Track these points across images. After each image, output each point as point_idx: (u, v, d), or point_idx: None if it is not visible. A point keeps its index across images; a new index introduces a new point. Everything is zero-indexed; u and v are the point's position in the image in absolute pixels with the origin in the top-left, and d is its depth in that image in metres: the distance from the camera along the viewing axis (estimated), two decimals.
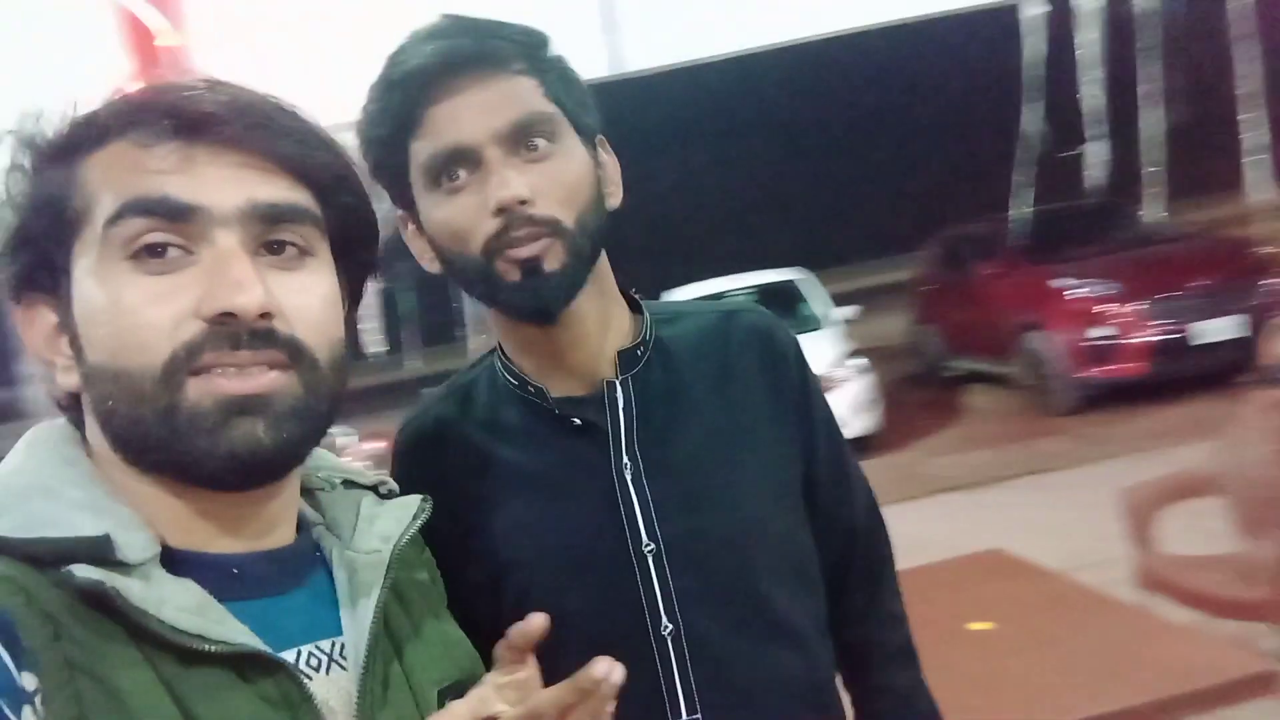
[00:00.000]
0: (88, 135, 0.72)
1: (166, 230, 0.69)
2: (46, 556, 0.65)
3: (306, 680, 0.71)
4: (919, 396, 9.68)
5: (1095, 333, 7.54)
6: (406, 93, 0.97)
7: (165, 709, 0.65)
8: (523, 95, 0.98)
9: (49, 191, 0.72)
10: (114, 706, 0.63)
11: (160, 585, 0.67)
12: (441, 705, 0.78)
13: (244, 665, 0.68)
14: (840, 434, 1.19)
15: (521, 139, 0.97)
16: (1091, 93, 5.49)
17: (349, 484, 0.87)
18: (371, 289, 0.89)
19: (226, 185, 0.71)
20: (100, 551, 0.66)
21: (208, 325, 0.68)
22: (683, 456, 1.06)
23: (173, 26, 4.40)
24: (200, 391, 0.68)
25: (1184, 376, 7.23)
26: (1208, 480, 3.38)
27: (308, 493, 0.84)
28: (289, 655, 0.72)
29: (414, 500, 0.87)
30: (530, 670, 0.76)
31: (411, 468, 1.11)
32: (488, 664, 0.79)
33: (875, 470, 1.37)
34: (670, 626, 1.02)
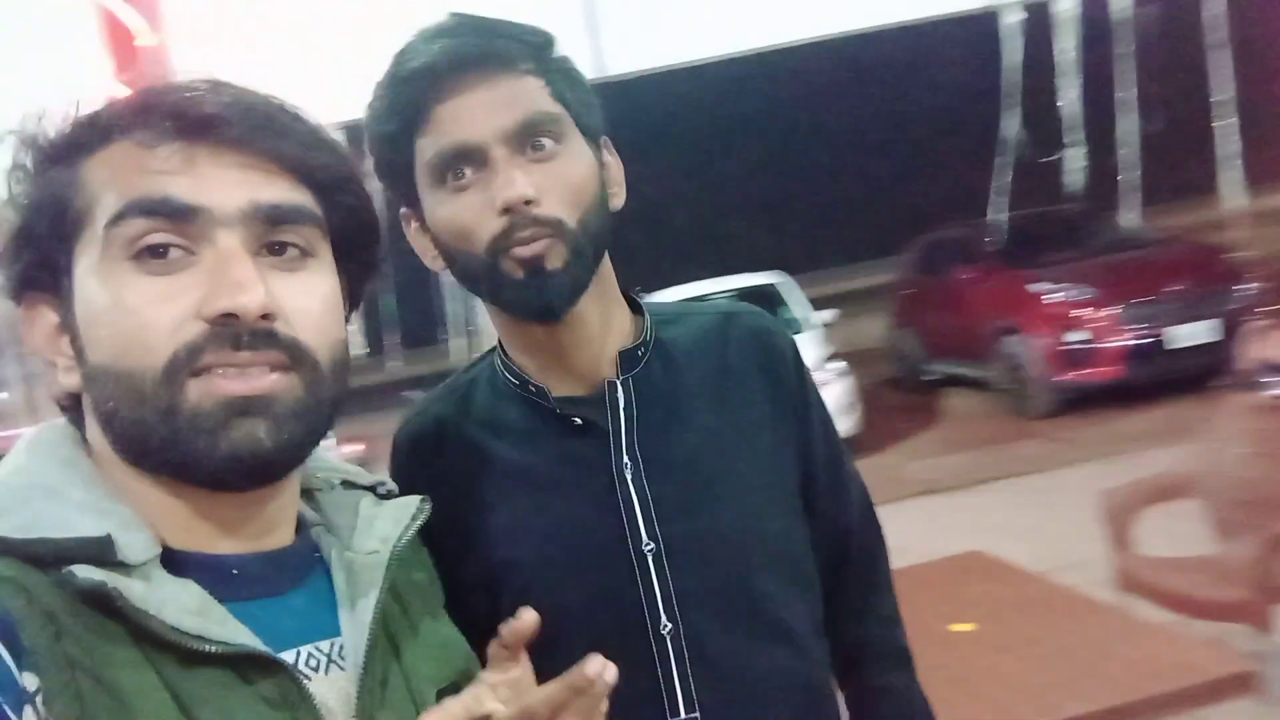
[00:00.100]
0: (90, 135, 0.72)
1: (168, 231, 0.69)
2: (48, 557, 0.65)
3: (306, 681, 0.71)
4: (897, 400, 9.73)
5: (1072, 337, 7.62)
6: (413, 90, 0.98)
7: (166, 709, 0.65)
8: (529, 95, 0.99)
9: (51, 191, 0.72)
10: (115, 707, 0.63)
11: (161, 586, 0.68)
12: None
13: (244, 666, 0.69)
14: (837, 436, 1.20)
15: (527, 139, 0.98)
16: (1070, 99, 5.54)
17: (348, 485, 0.87)
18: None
19: (228, 186, 0.71)
20: (101, 552, 0.66)
21: (209, 326, 0.68)
22: (682, 456, 1.06)
23: (150, 27, 4.37)
24: (201, 392, 0.68)
25: (1159, 380, 7.32)
26: (1184, 483, 3.42)
27: (307, 493, 0.84)
28: (288, 656, 0.72)
29: (413, 501, 0.87)
30: (523, 669, 0.76)
31: (411, 466, 1.11)
32: (486, 664, 0.79)
33: None
34: (669, 625, 1.02)
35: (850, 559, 1.19)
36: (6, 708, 0.58)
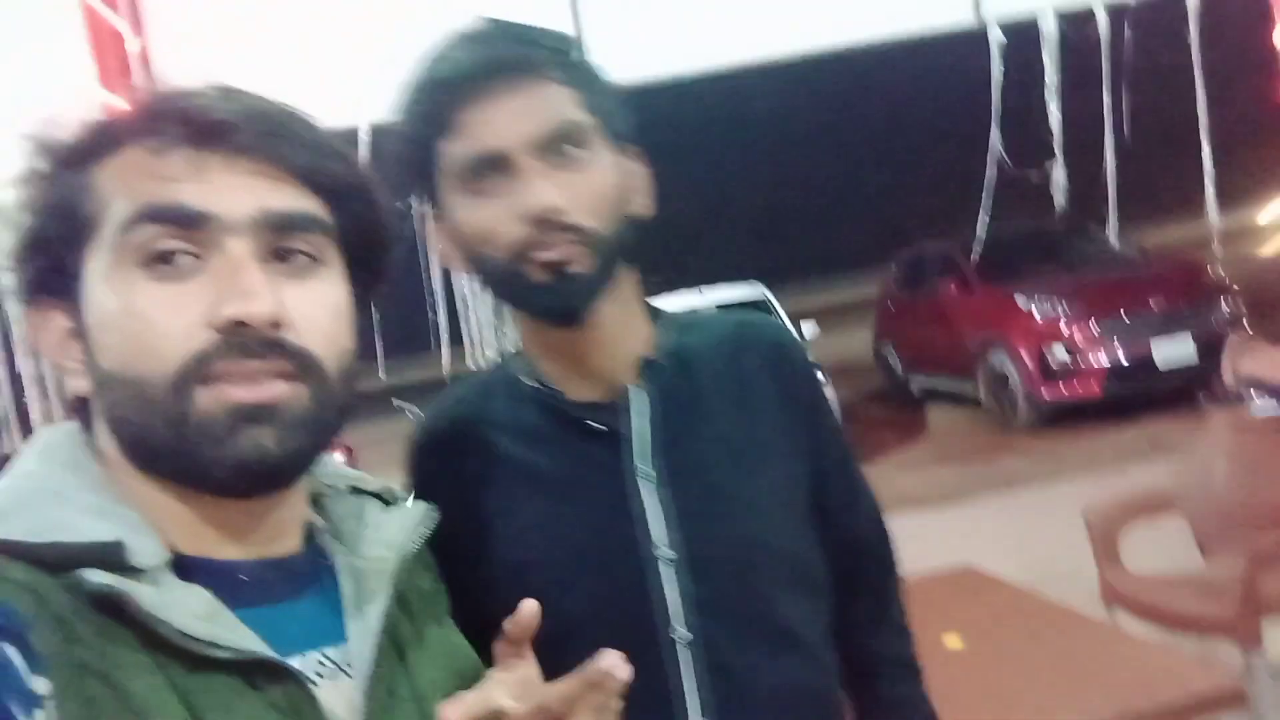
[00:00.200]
0: (101, 141, 0.72)
1: (178, 237, 0.69)
2: (58, 561, 0.65)
3: (313, 687, 0.71)
4: (880, 413, 9.77)
5: (1056, 352, 7.68)
6: (441, 94, 0.98)
7: (176, 714, 0.65)
8: (557, 103, 0.99)
9: (62, 196, 0.72)
10: (125, 711, 0.63)
11: (170, 591, 0.67)
12: None
13: (252, 672, 0.68)
14: (848, 448, 1.21)
15: (554, 147, 0.98)
16: (1058, 116, 5.59)
17: (356, 491, 0.87)
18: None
19: (238, 193, 0.71)
20: (111, 557, 0.66)
21: (218, 334, 0.69)
22: (698, 464, 1.07)
23: (133, 32, 4.35)
24: (210, 400, 0.68)
25: (1143, 396, 7.38)
26: (1169, 498, 3.44)
27: (314, 500, 0.84)
28: (296, 662, 0.72)
29: (420, 508, 0.87)
30: (530, 667, 0.77)
31: (428, 466, 1.11)
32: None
33: None
34: (682, 633, 1.02)
35: (860, 569, 1.20)
36: (17, 711, 0.58)
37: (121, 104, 0.77)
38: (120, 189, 0.70)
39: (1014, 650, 2.36)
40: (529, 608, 0.75)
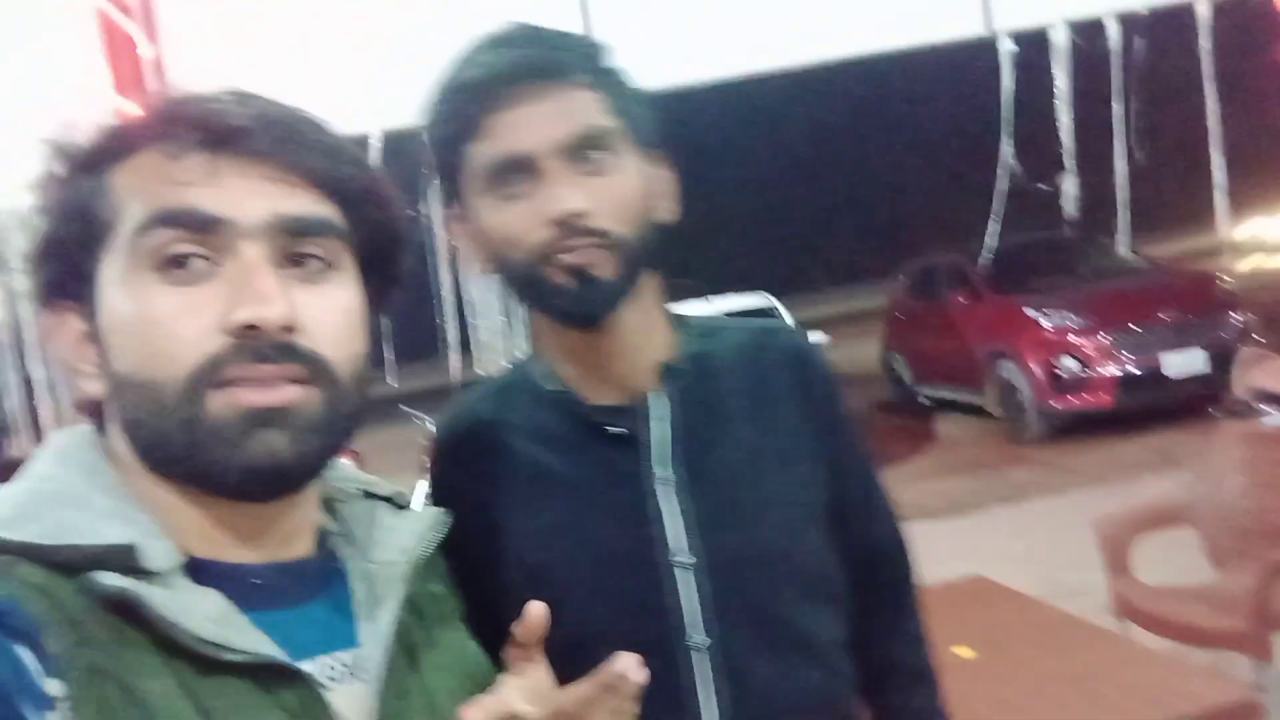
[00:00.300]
0: (117, 145, 0.73)
1: (192, 242, 0.70)
2: (72, 563, 0.65)
3: (325, 691, 0.71)
4: (890, 424, 9.74)
5: (1066, 363, 7.65)
6: (468, 97, 0.98)
7: (188, 717, 0.65)
8: (584, 108, 0.99)
9: (78, 200, 0.72)
10: (138, 714, 0.63)
11: (183, 594, 0.68)
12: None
13: (264, 675, 0.68)
14: (868, 456, 1.20)
15: (580, 151, 0.98)
16: (1069, 126, 5.59)
17: (368, 495, 0.87)
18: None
19: (252, 198, 0.71)
20: (125, 559, 0.66)
21: (231, 338, 0.69)
22: (718, 471, 1.06)
23: (147, 38, 4.38)
24: (222, 404, 0.69)
25: (1153, 407, 7.34)
26: (1180, 510, 3.42)
27: (326, 503, 0.84)
28: (308, 666, 0.72)
29: (432, 512, 0.87)
30: (542, 671, 0.77)
31: (448, 466, 1.12)
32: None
33: None
34: (701, 640, 1.02)
35: (878, 579, 1.19)
36: (30, 713, 0.58)
37: (136, 110, 0.77)
38: (135, 193, 0.71)
39: (1025, 661, 2.35)
40: (536, 610, 0.75)
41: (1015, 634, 2.52)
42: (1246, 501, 3.21)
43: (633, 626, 1.00)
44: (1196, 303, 7.84)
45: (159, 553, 0.68)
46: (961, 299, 9.05)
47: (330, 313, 0.74)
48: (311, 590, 0.77)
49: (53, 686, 0.60)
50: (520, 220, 0.98)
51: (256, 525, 0.75)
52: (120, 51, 4.57)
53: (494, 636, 0.86)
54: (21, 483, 0.72)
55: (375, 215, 0.79)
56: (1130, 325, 7.62)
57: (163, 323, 0.69)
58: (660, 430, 1.06)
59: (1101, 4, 5.38)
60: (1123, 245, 8.56)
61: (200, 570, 0.71)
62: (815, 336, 8.50)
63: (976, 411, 8.86)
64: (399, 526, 0.84)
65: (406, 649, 0.80)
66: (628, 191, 1.01)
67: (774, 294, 9.24)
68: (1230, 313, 7.72)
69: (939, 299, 9.48)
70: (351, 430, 0.76)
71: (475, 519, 0.91)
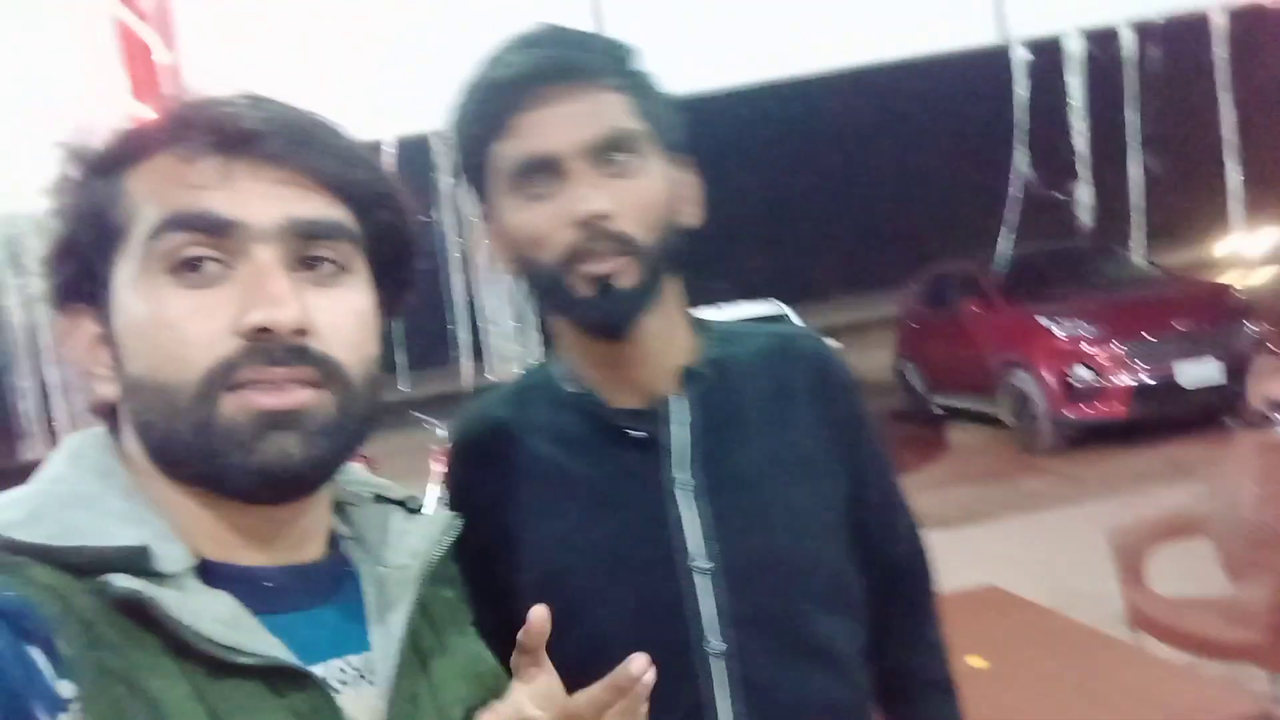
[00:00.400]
0: (132, 148, 0.73)
1: (206, 245, 0.70)
2: (84, 565, 0.65)
3: (336, 695, 0.71)
4: (902, 432, 9.71)
5: (1079, 373, 7.62)
6: (496, 97, 0.99)
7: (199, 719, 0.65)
8: (611, 110, 0.99)
9: (93, 203, 0.72)
10: (149, 715, 0.63)
11: (195, 596, 0.68)
12: None
13: (275, 678, 0.68)
14: (888, 465, 1.20)
15: (606, 153, 0.98)
16: (1083, 135, 5.57)
17: (380, 499, 0.87)
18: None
19: (266, 201, 0.71)
20: (138, 562, 0.66)
21: (244, 341, 0.69)
22: (738, 476, 1.06)
23: (164, 45, 4.41)
24: (235, 407, 0.69)
25: (1168, 418, 7.30)
26: (1195, 521, 3.40)
27: (338, 507, 0.84)
28: (319, 669, 0.72)
29: (444, 516, 0.87)
30: (551, 676, 0.77)
31: (465, 468, 1.12)
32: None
33: None
34: (718, 645, 1.01)
35: (897, 587, 1.19)
36: (42, 714, 0.58)
37: (151, 114, 0.77)
38: (149, 196, 0.71)
39: (1037, 671, 2.33)
40: (539, 615, 0.75)
41: (1028, 644, 2.50)
42: (1262, 513, 3.19)
43: (650, 631, 0.99)
44: (1211, 312, 7.80)
45: (171, 555, 0.68)
46: (974, 308, 9.02)
47: (342, 316, 0.74)
48: (323, 594, 0.77)
49: (65, 688, 0.60)
50: (544, 221, 0.98)
51: (268, 528, 0.75)
52: (137, 57, 4.60)
53: (510, 639, 0.87)
54: (34, 485, 0.72)
55: (387, 219, 0.79)
56: (1144, 335, 7.58)
57: (176, 325, 0.69)
58: (681, 435, 1.06)
59: (1116, 12, 5.36)
60: (1137, 254, 8.53)
61: (212, 573, 0.71)
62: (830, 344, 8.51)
63: (989, 420, 8.82)
64: (411, 530, 0.84)
65: (417, 653, 0.79)
66: (652, 195, 1.00)
67: (784, 301, 9.21)
68: (1245, 323, 7.68)
69: (952, 307, 9.45)
70: (364, 434, 0.76)
71: (492, 520, 0.91)
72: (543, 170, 0.98)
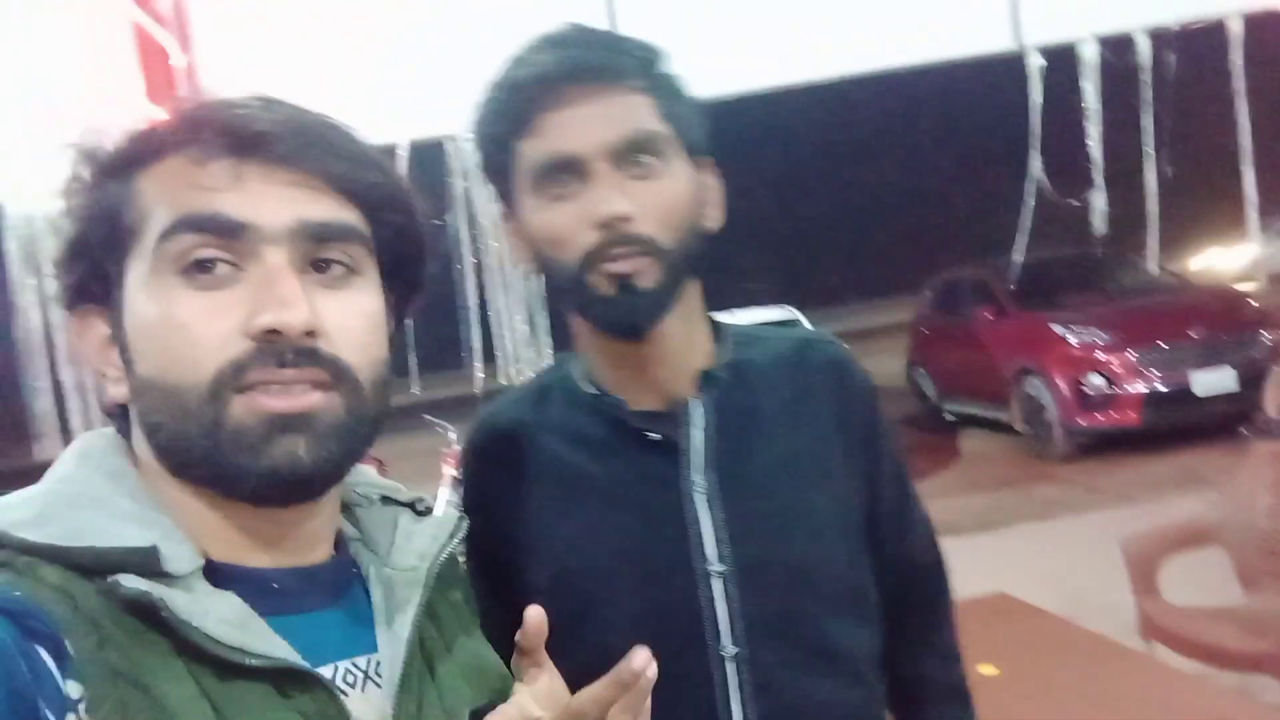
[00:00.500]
0: (144, 150, 0.73)
1: (216, 246, 0.70)
2: (93, 566, 0.65)
3: (343, 697, 0.71)
4: (914, 439, 9.67)
5: (1093, 380, 7.57)
6: (521, 96, 0.99)
7: None
8: (636, 112, 0.99)
9: (104, 204, 0.73)
10: (157, 716, 0.63)
11: (203, 598, 0.68)
12: None
13: (283, 680, 0.68)
14: (905, 472, 1.20)
15: (629, 155, 0.98)
16: (1098, 142, 5.54)
17: (387, 501, 0.87)
18: None
19: (277, 203, 0.71)
20: (146, 562, 0.66)
21: (254, 343, 0.69)
22: (756, 480, 1.06)
23: (181, 48, 4.43)
24: (244, 409, 0.69)
25: (1182, 426, 7.24)
26: (1209, 531, 3.37)
27: (346, 509, 0.84)
28: (326, 671, 0.72)
29: (451, 518, 0.87)
30: (552, 677, 0.77)
31: (481, 468, 1.12)
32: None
33: None
34: (732, 649, 1.01)
35: (912, 595, 1.19)
36: (50, 714, 0.58)
37: (166, 116, 0.77)
38: (161, 198, 0.71)
39: (1049, 680, 2.32)
40: (534, 615, 0.75)
41: (1039, 652, 2.49)
42: (1276, 522, 3.16)
43: (664, 633, 0.98)
44: (1226, 320, 7.75)
45: (179, 556, 0.68)
46: (988, 314, 8.99)
47: (353, 318, 0.74)
48: (330, 595, 0.77)
49: (72, 688, 0.60)
50: (566, 221, 0.99)
51: (276, 530, 0.75)
52: (153, 60, 4.63)
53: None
54: (43, 484, 0.72)
55: (398, 221, 0.79)
56: (1159, 343, 7.54)
57: (186, 327, 0.69)
58: (699, 437, 1.06)
59: (1132, 19, 5.34)
60: (1151, 262, 8.48)
61: (220, 574, 0.71)
62: None
63: (1001, 427, 8.78)
64: (418, 532, 0.84)
65: (424, 655, 0.80)
66: (674, 197, 1.01)
67: (798, 307, 9.19)
68: (1261, 331, 7.62)
69: (965, 314, 9.42)
70: (373, 436, 0.76)
71: (508, 520, 0.92)
72: (566, 170, 0.98)
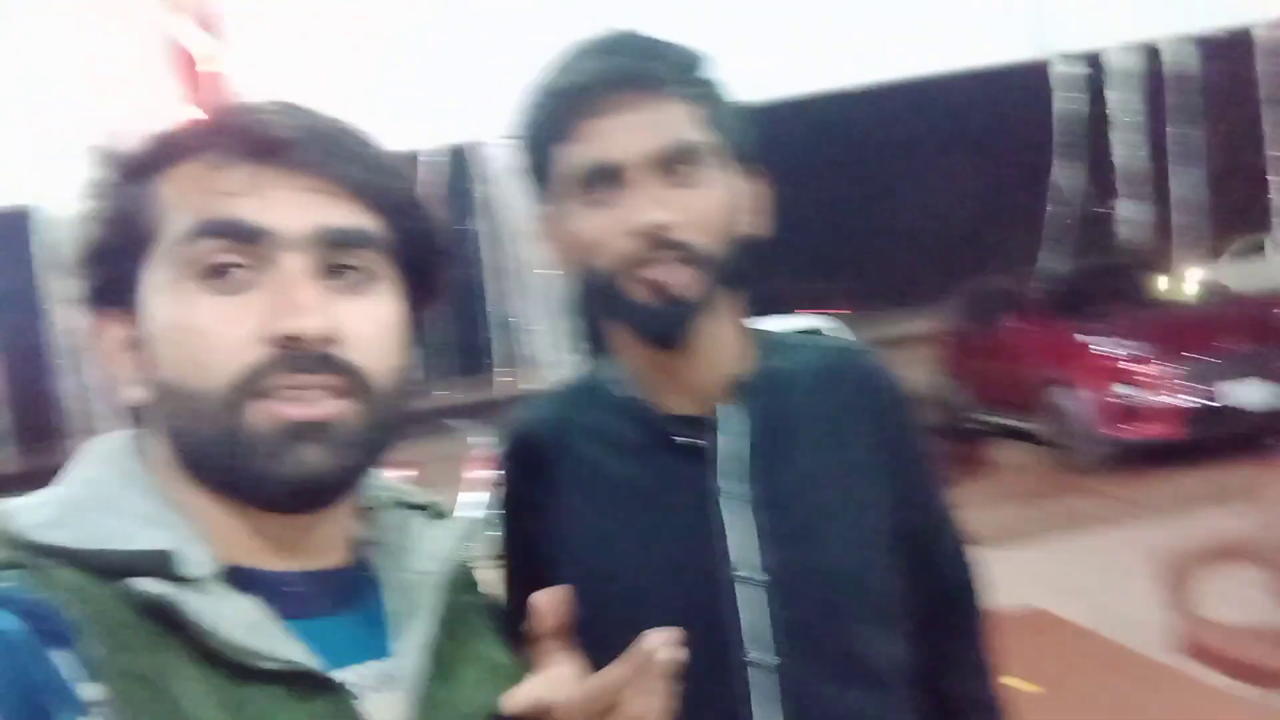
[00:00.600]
0: (163, 154, 0.73)
1: (235, 252, 0.70)
2: (110, 568, 0.66)
3: (358, 701, 0.71)
4: (942, 449, 9.60)
5: (1124, 392, 7.47)
6: (562, 101, 0.99)
7: None
8: (677, 120, 0.99)
9: (124, 207, 0.73)
10: (173, 719, 0.63)
11: (219, 601, 0.68)
12: None
13: (298, 684, 0.68)
14: (939, 485, 1.19)
15: (669, 163, 0.98)
16: (1124, 151, 5.50)
17: (402, 505, 0.86)
18: None
19: (296, 209, 0.71)
20: (163, 566, 0.66)
21: (271, 349, 0.69)
22: (790, 488, 1.05)
23: (219, 50, 4.48)
24: (261, 415, 0.69)
25: (1215, 439, 7.12)
26: (1245, 546, 3.31)
27: (361, 512, 0.84)
28: (341, 675, 0.72)
29: (465, 521, 0.87)
30: (569, 662, 0.76)
31: (515, 469, 1.12)
32: None
33: None
34: (759, 657, 1.00)
35: (945, 606, 1.17)
36: (64, 718, 0.58)
37: (191, 119, 0.78)
38: (180, 202, 0.71)
39: (1093, 698, 2.28)
40: (539, 601, 0.75)
41: (1080, 670, 2.45)
42: None
43: (688, 638, 0.99)
44: (1261, 332, 7.63)
45: (196, 559, 0.68)
46: (1017, 324, 8.91)
47: (371, 325, 0.74)
48: (346, 599, 0.77)
49: (88, 691, 0.60)
50: (604, 228, 0.99)
51: (292, 535, 0.75)
52: (187, 66, 4.67)
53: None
54: (61, 487, 0.72)
55: (417, 228, 0.79)
56: (1191, 354, 7.43)
57: (204, 331, 0.69)
58: (730, 444, 1.05)
59: (1157, 28, 5.29)
60: (1182, 271, 8.39)
61: (236, 577, 0.71)
62: None
63: (1029, 438, 8.70)
64: (434, 536, 0.84)
65: (439, 659, 0.79)
66: (714, 206, 1.00)
67: (819, 314, 9.16)
68: None
69: (993, 324, 9.35)
70: (390, 443, 0.77)
71: (544, 520, 0.94)
72: (605, 178, 0.98)
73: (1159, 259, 9.03)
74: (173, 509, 0.71)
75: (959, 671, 1.19)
